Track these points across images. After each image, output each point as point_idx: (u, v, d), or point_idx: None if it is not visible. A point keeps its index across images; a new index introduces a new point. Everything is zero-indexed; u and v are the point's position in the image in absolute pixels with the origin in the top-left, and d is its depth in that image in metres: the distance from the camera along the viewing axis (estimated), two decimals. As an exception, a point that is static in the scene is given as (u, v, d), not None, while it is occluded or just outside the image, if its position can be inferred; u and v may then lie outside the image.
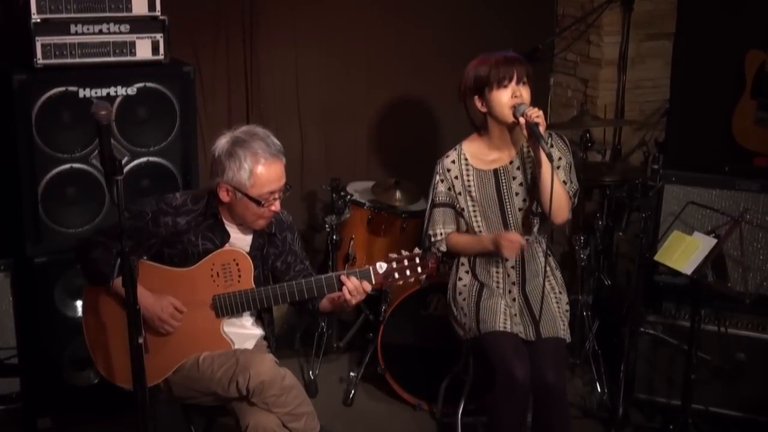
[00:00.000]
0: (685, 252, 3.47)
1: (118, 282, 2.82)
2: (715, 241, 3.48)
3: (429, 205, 3.49)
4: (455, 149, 3.48)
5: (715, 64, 4.60)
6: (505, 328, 3.34)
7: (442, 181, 3.45)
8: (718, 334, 3.80)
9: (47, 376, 3.77)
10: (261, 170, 2.93)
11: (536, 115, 3.21)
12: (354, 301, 3.01)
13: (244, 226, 3.09)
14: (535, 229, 3.44)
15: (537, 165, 3.28)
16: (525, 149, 3.42)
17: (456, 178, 3.43)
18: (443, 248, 3.46)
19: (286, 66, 4.67)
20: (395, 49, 4.87)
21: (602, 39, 4.89)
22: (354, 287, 2.97)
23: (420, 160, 4.98)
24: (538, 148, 3.22)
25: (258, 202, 2.96)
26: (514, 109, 3.27)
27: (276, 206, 3.00)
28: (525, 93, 3.30)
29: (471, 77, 3.35)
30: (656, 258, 3.56)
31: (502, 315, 3.36)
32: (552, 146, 3.37)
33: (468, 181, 3.43)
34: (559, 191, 3.27)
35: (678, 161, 4.41)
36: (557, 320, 3.39)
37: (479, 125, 3.43)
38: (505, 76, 3.27)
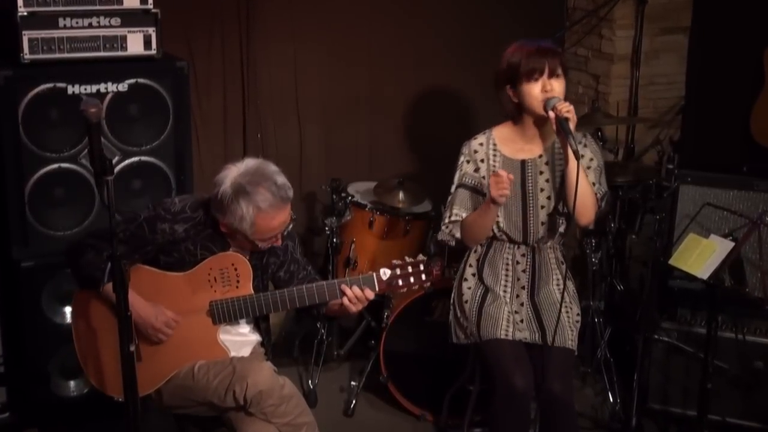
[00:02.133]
0: (701, 255, 3.43)
1: (109, 287, 2.82)
2: (732, 244, 3.43)
3: (453, 186, 3.42)
4: (484, 133, 3.43)
5: (733, 60, 4.56)
6: (506, 335, 3.31)
7: (468, 161, 3.40)
8: (736, 341, 3.77)
9: (34, 386, 3.73)
10: (263, 222, 2.91)
11: (566, 109, 3.18)
12: (355, 309, 3.02)
13: None
14: (561, 230, 3.40)
15: (565, 161, 3.25)
16: (556, 146, 3.38)
17: (482, 161, 3.38)
18: (457, 233, 3.40)
19: (284, 61, 4.65)
20: (398, 43, 4.84)
21: (614, 33, 4.85)
22: (354, 296, 2.98)
23: (424, 160, 4.98)
24: (567, 144, 3.18)
25: (257, 245, 2.98)
26: (545, 102, 3.24)
27: (277, 242, 3.01)
28: (557, 86, 3.27)
29: (504, 66, 3.32)
30: (671, 262, 3.52)
31: (504, 322, 3.33)
32: (585, 146, 3.36)
33: (494, 166, 3.37)
34: (586, 191, 3.25)
35: (694, 161, 4.37)
36: (566, 330, 3.34)
37: (511, 115, 3.40)
38: (536, 69, 3.24)
